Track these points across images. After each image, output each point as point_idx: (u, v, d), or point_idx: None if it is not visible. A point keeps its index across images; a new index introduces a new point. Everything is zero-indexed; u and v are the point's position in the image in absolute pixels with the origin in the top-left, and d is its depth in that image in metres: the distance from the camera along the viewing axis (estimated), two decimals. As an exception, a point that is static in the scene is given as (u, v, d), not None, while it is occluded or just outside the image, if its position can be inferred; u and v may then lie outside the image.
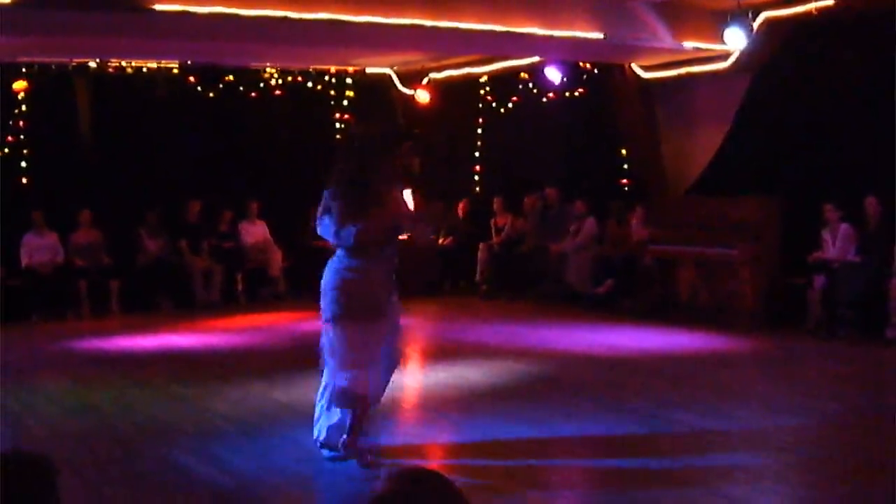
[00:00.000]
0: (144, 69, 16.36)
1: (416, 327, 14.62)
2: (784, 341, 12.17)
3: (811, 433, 7.90)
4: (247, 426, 8.20)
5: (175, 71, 16.65)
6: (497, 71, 16.92)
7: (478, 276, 16.78)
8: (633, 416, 8.33)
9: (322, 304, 7.01)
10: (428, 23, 11.78)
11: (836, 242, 12.65)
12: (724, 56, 13.79)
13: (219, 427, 8.25)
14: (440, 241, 17.26)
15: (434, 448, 7.84)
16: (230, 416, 8.65)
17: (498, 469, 7.07)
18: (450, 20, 11.93)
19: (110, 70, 16.09)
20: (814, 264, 12.70)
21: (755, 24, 12.70)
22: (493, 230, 16.98)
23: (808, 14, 12.43)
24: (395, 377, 10.17)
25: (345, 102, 18.58)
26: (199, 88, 16.94)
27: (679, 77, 14.82)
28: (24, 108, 15.71)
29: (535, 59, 15.56)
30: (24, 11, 9.92)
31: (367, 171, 6.96)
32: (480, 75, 17.48)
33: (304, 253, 17.11)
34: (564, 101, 16.40)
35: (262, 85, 17.63)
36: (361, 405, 6.97)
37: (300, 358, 11.64)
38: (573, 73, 15.96)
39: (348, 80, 18.47)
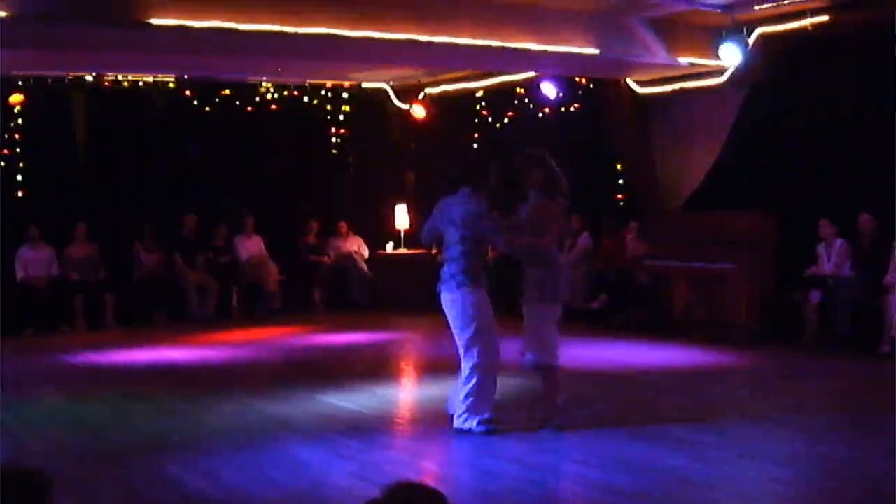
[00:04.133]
0: (141, 83, 16.38)
1: (410, 341, 14.63)
2: (779, 356, 12.17)
3: (805, 449, 7.90)
4: (241, 441, 8.18)
5: (171, 85, 16.67)
6: (493, 86, 16.95)
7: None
8: (625, 431, 8.32)
9: None
10: (424, 38, 11.80)
11: (832, 258, 12.69)
12: (719, 72, 13.83)
13: (213, 441, 8.23)
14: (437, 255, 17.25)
15: (427, 462, 7.83)
16: (225, 430, 8.64)
17: (490, 484, 7.06)
18: (445, 35, 11.95)
19: (106, 84, 16.11)
20: (809, 279, 12.73)
21: (750, 40, 12.74)
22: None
23: (802, 30, 12.48)
24: (389, 392, 10.22)
25: (341, 117, 18.62)
26: (195, 102, 16.96)
27: (674, 92, 14.85)
28: (20, 121, 15.71)
29: (531, 74, 15.59)
30: (21, 25, 9.93)
31: None
32: (476, 90, 17.50)
33: (299, 268, 17.15)
34: (560, 115, 16.41)
35: (258, 99, 17.65)
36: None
37: (295, 373, 11.70)
38: (569, 88, 16.00)
39: (344, 95, 18.51)
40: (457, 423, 8.16)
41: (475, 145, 18.07)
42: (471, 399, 8.05)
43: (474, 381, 8.05)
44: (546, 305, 8.21)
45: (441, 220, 8.34)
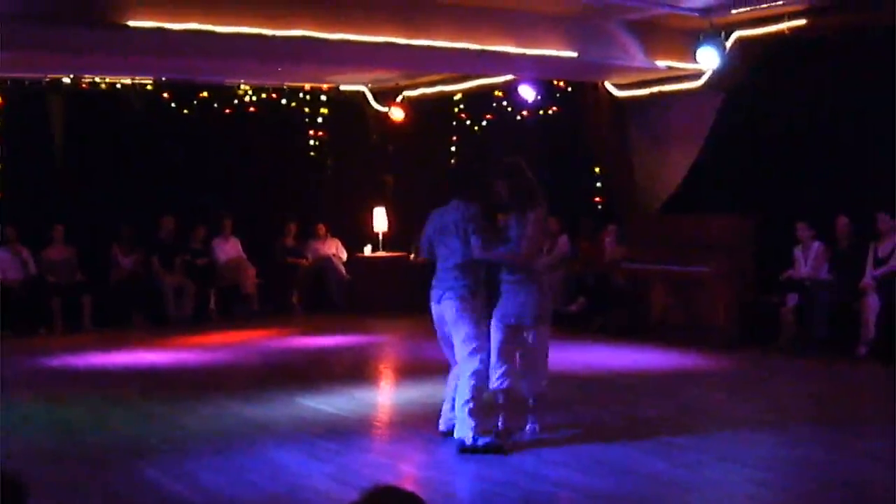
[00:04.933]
0: (118, 85, 16.31)
1: (389, 344, 14.61)
2: (757, 359, 12.20)
3: (783, 451, 7.93)
4: (219, 444, 8.16)
5: (149, 87, 16.61)
6: (471, 89, 16.95)
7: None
8: (605, 434, 8.33)
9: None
10: (402, 41, 11.79)
11: (809, 261, 12.73)
12: (697, 75, 13.86)
13: (191, 444, 8.21)
14: (413, 258, 17.23)
15: (405, 465, 7.82)
16: (202, 433, 8.62)
17: (470, 487, 7.06)
18: (424, 38, 11.94)
19: (84, 86, 16.03)
20: (786, 282, 12.77)
21: (727, 44, 12.78)
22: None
23: (780, 33, 12.51)
24: (367, 395, 10.18)
25: (319, 119, 18.59)
26: (173, 105, 16.90)
27: (652, 95, 14.87)
28: (-4, 123, 15.65)
29: (509, 77, 15.60)
30: (-2, 26, 9.88)
31: None
32: (454, 93, 17.50)
33: (277, 270, 17.12)
34: (538, 119, 16.43)
35: (236, 102, 17.60)
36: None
37: (273, 375, 11.67)
38: (547, 92, 16.02)
39: (322, 98, 18.48)
40: (458, 434, 7.88)
41: (453, 148, 18.07)
42: (468, 410, 7.81)
43: (471, 391, 7.81)
44: (544, 327, 8.18)
45: (433, 232, 8.17)
